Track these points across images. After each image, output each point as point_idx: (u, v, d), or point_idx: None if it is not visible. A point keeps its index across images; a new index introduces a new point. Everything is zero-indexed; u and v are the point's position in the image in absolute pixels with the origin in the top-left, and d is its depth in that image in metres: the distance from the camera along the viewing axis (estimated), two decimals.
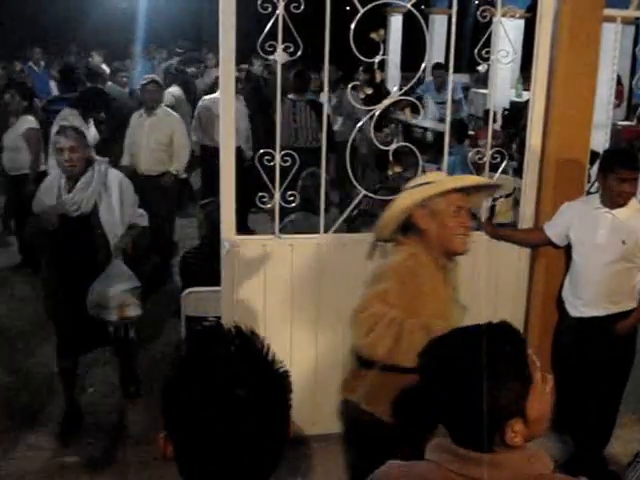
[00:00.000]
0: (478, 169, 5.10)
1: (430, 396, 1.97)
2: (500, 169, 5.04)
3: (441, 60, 12.36)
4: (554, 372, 4.25)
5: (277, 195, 4.73)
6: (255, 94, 10.41)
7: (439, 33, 13.53)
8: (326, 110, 4.98)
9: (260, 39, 4.35)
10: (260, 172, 4.61)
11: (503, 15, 4.82)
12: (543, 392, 1.91)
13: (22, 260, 8.11)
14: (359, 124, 5.17)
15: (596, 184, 4.90)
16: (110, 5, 17.58)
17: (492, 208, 5.48)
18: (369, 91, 5.07)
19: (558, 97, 4.86)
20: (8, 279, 7.85)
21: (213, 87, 9.36)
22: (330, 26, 4.50)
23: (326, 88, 5.19)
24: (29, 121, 7.61)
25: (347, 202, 5.18)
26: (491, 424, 1.83)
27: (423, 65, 5.02)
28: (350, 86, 5.28)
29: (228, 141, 4.65)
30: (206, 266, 5.45)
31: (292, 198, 4.78)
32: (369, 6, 4.47)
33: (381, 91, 4.73)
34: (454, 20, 4.77)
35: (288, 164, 4.67)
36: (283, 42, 4.44)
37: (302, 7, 4.37)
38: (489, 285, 5.05)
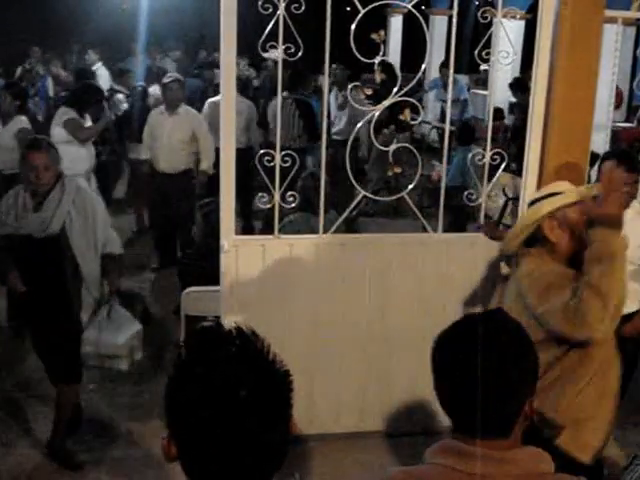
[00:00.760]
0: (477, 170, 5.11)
1: (447, 388, 1.98)
2: (499, 170, 5.04)
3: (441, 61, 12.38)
4: None
5: (277, 195, 4.73)
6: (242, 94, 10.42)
7: (439, 34, 13.56)
8: (326, 110, 4.97)
9: (261, 39, 4.37)
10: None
11: (504, 16, 4.82)
12: None
13: None
14: (358, 125, 5.18)
15: None
16: (111, 5, 17.55)
17: (504, 208, 5.48)
18: (369, 91, 5.07)
19: (558, 98, 4.86)
20: None
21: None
22: (331, 26, 4.50)
23: (326, 88, 5.18)
24: (21, 121, 7.59)
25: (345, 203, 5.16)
26: (513, 405, 1.91)
27: (423, 66, 5.02)
28: (350, 86, 5.28)
29: (228, 141, 4.65)
30: (204, 266, 5.46)
31: (292, 199, 4.78)
32: (370, 7, 4.47)
33: (389, 88, 4.70)
34: (455, 21, 4.76)
35: (288, 164, 4.67)
36: (284, 42, 4.44)
37: (303, 8, 4.37)
38: (488, 286, 5.05)
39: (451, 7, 4.86)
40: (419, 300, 4.99)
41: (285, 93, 8.32)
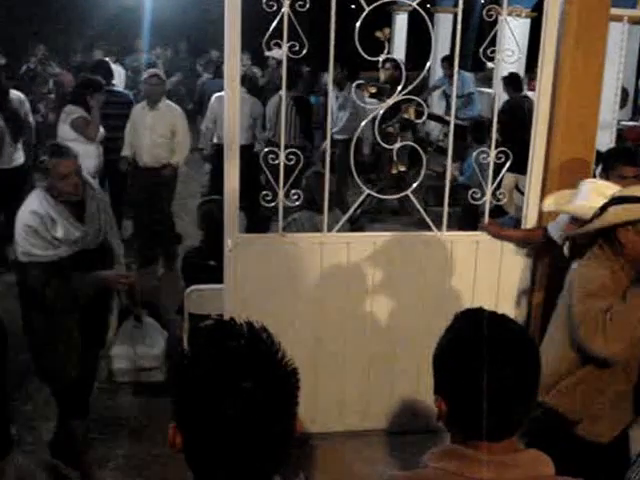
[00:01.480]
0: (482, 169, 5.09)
1: (448, 393, 1.98)
2: (503, 170, 5.03)
3: None
4: None
5: (281, 194, 4.72)
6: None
7: (444, 32, 13.54)
8: (330, 107, 4.95)
9: (265, 37, 4.37)
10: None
11: (509, 14, 4.81)
12: None
13: None
14: (363, 123, 5.16)
15: None
16: (115, 3, 17.55)
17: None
18: (373, 90, 5.06)
19: (563, 97, 4.84)
20: None
21: None
22: (335, 24, 4.49)
23: (330, 86, 5.16)
24: (75, 110, 7.56)
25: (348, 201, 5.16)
26: (518, 408, 1.92)
27: (428, 64, 5.01)
28: (354, 84, 5.27)
29: (233, 138, 4.64)
30: (207, 265, 5.44)
31: (296, 197, 4.77)
32: (375, 4, 4.45)
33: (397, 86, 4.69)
34: (460, 19, 4.75)
35: (292, 162, 4.66)
36: (288, 40, 4.43)
37: (307, 5, 4.36)
38: (491, 285, 5.05)
39: (456, 5, 4.84)
40: (423, 298, 4.98)
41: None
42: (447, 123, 5.31)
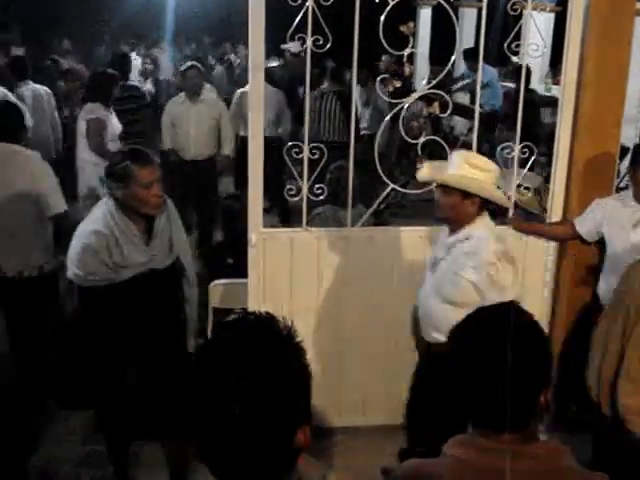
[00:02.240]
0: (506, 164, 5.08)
1: (462, 383, 1.98)
2: (528, 165, 5.01)
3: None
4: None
5: (305, 188, 4.73)
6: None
7: (468, 26, 13.45)
8: (354, 102, 4.95)
9: (290, 31, 4.38)
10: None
11: (534, 8, 4.78)
12: None
13: None
14: (387, 118, 5.16)
15: (626, 179, 4.85)
16: None
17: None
18: (398, 84, 5.05)
19: (588, 91, 4.82)
20: None
21: None
22: (359, 19, 4.49)
23: (354, 81, 5.16)
24: (94, 107, 7.58)
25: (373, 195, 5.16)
26: (529, 398, 1.92)
27: (453, 58, 5.00)
28: (379, 79, 5.25)
29: (257, 132, 4.65)
30: (230, 259, 5.47)
31: (320, 191, 4.78)
32: None
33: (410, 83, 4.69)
34: (484, 13, 4.73)
35: (316, 157, 4.67)
36: (312, 34, 4.44)
37: None
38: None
39: None
40: None
41: (325, 86, 8.32)
42: (471, 113, 5.28)
